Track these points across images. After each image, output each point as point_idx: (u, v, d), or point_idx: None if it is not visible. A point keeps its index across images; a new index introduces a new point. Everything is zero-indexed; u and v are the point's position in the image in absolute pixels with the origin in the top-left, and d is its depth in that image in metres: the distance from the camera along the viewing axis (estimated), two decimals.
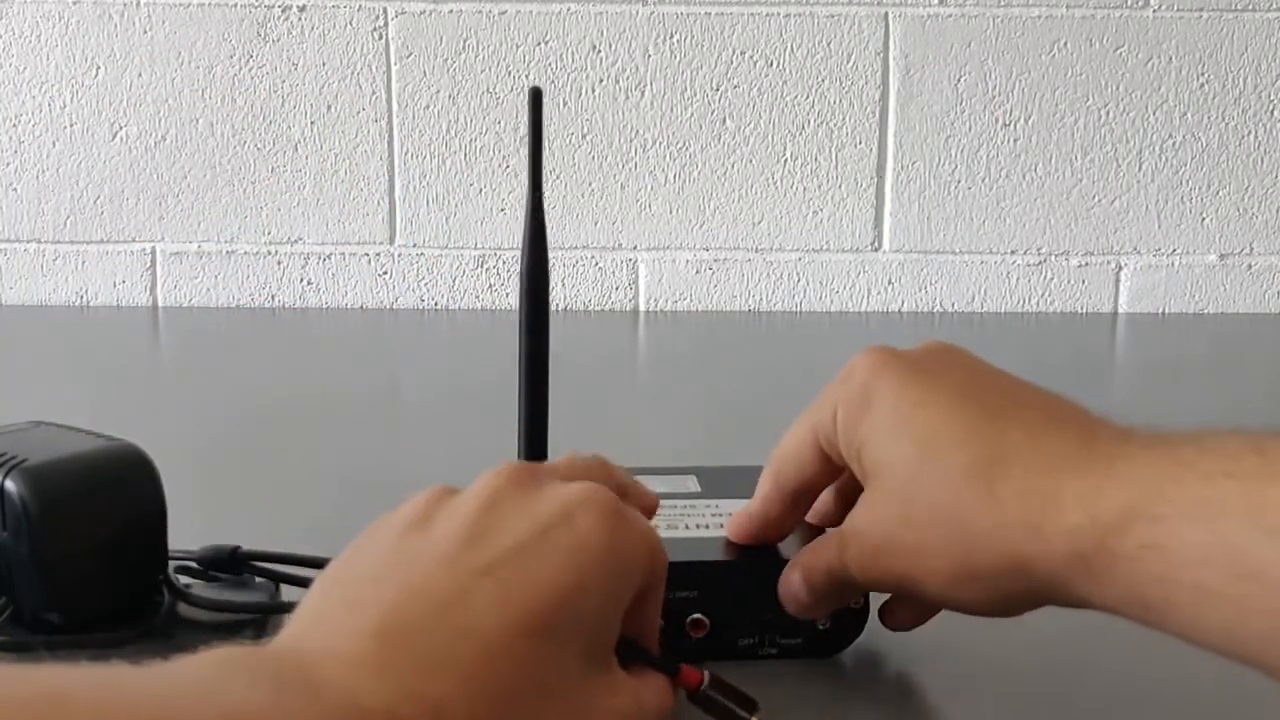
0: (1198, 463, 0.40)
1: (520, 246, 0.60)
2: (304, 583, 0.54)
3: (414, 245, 1.33)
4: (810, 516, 0.55)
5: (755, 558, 0.53)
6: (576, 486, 0.44)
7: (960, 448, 0.45)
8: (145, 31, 1.30)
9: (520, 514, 0.42)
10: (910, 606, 0.52)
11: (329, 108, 1.31)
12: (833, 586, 0.50)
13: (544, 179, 0.62)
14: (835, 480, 0.52)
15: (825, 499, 0.54)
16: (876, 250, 1.33)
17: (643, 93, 1.31)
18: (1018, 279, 1.34)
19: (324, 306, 1.34)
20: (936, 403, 0.47)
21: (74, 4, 1.30)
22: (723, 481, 0.61)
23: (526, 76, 1.30)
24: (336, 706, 0.35)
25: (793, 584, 0.51)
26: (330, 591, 0.41)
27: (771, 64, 1.30)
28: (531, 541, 0.41)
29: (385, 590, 0.39)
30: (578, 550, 0.41)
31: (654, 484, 0.60)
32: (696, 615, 0.52)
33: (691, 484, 0.61)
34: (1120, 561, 0.41)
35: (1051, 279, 1.34)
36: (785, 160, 1.32)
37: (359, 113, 1.31)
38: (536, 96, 0.60)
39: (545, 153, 0.62)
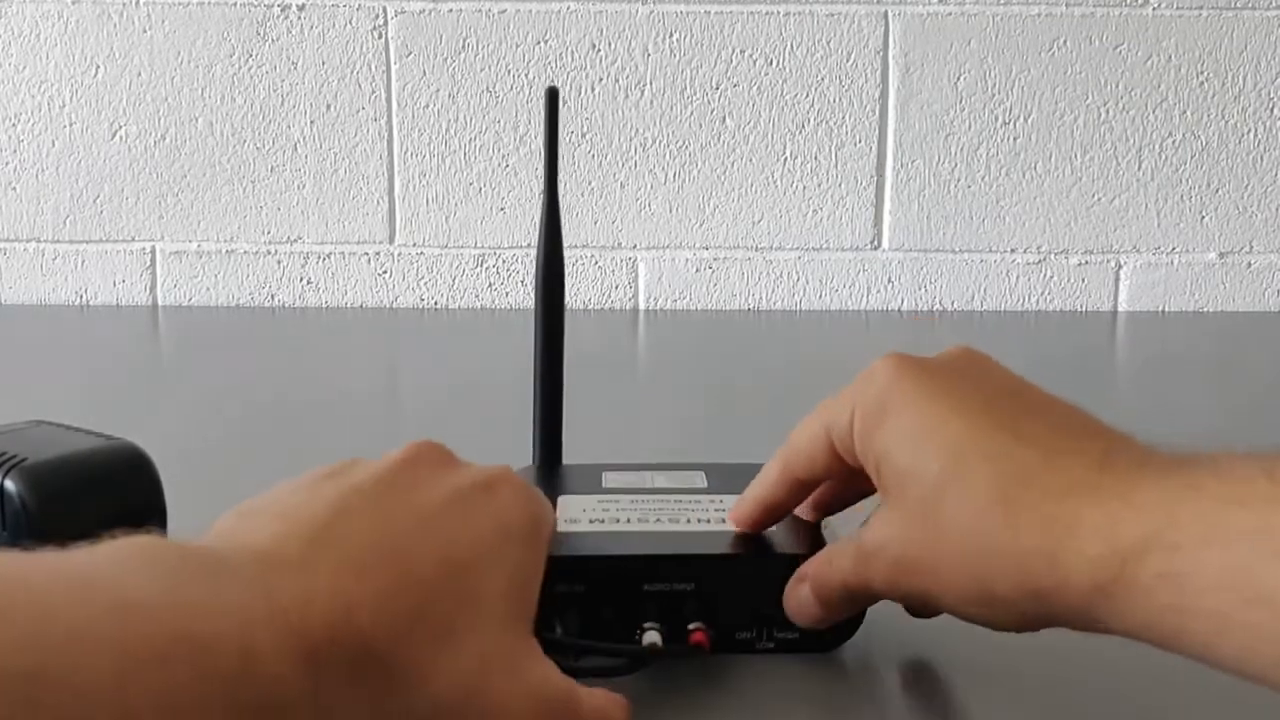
0: (1210, 487, 0.40)
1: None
2: None
3: (414, 244, 1.33)
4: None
5: (753, 552, 0.53)
6: (491, 466, 0.46)
7: (981, 467, 0.45)
8: (145, 31, 1.30)
9: (439, 480, 0.44)
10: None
11: (329, 107, 1.31)
12: (847, 599, 0.50)
13: None
14: (842, 476, 0.52)
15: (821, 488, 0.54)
16: (876, 249, 1.33)
17: (642, 92, 1.31)
18: (1017, 277, 1.34)
19: (324, 306, 1.34)
20: (959, 416, 0.46)
21: (74, 3, 1.30)
22: (730, 478, 0.61)
23: (526, 75, 1.30)
24: (241, 601, 0.34)
25: (802, 597, 0.51)
26: (249, 513, 0.41)
27: (771, 63, 1.30)
28: (455, 502, 0.43)
29: (315, 509, 0.40)
30: (497, 516, 0.44)
31: (662, 479, 0.61)
32: (697, 625, 0.52)
33: (699, 480, 0.61)
34: (1137, 591, 0.41)
35: (1051, 277, 1.34)
36: (785, 159, 1.32)
37: (358, 112, 1.31)
38: (553, 96, 0.61)
39: None
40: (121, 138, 1.31)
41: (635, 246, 1.33)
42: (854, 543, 0.49)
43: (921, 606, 0.50)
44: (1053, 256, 1.34)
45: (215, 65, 1.30)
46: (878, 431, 0.48)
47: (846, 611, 0.51)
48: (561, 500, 0.58)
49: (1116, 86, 1.31)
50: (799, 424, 0.52)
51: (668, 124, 1.31)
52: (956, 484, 0.45)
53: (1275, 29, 1.30)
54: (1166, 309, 1.34)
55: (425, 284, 1.34)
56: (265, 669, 0.33)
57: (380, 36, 1.30)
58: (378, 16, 1.29)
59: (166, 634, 0.32)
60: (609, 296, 1.34)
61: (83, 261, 1.34)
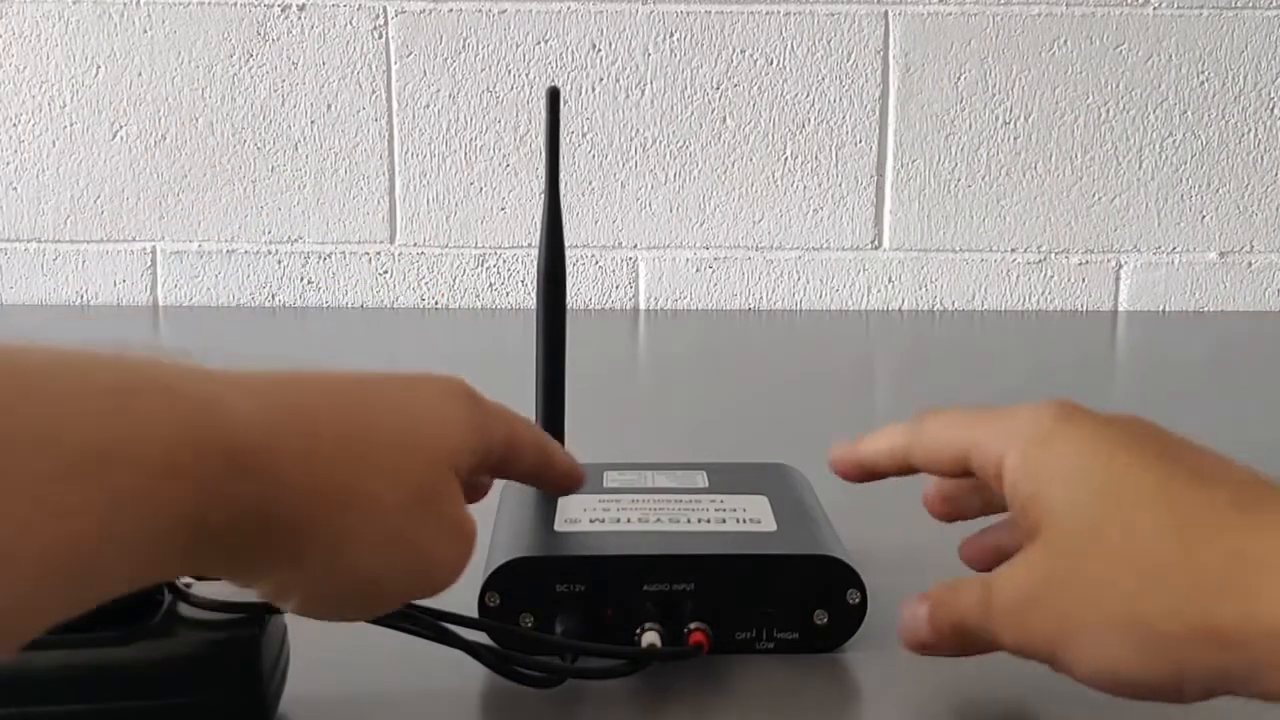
0: None
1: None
2: None
3: (414, 244, 1.33)
4: (968, 556, 0.53)
5: (753, 552, 0.53)
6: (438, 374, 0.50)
7: (1152, 505, 0.41)
8: (145, 31, 1.30)
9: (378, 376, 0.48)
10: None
11: (329, 107, 1.31)
12: (959, 635, 0.45)
13: None
14: (950, 482, 0.50)
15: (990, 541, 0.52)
16: (876, 248, 1.33)
17: (643, 92, 1.31)
18: (1018, 277, 1.34)
19: (324, 305, 1.34)
20: (1129, 458, 0.43)
21: (74, 3, 1.30)
22: (730, 478, 0.61)
23: (526, 75, 1.30)
24: (200, 405, 0.38)
25: (918, 619, 0.46)
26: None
27: (772, 62, 1.30)
28: (387, 384, 0.47)
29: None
30: (421, 402, 0.48)
31: (663, 479, 0.61)
32: (696, 626, 0.52)
33: (700, 479, 0.61)
34: None
35: (1052, 277, 1.34)
36: (785, 159, 1.32)
37: (359, 112, 1.31)
38: (554, 96, 0.61)
39: None
40: (122, 138, 1.31)
41: (635, 246, 1.33)
42: (983, 578, 0.45)
43: (1044, 656, 0.44)
44: (1053, 256, 1.34)
45: (215, 65, 1.30)
46: (1037, 469, 0.44)
47: (954, 649, 0.46)
48: (562, 500, 0.58)
49: (1116, 86, 1.31)
50: (941, 419, 0.49)
51: (668, 124, 1.31)
52: (1114, 520, 0.41)
53: (1275, 29, 1.30)
54: (1167, 309, 1.34)
55: (426, 284, 1.34)
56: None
57: (380, 36, 1.30)
58: (378, 16, 1.29)
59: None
60: (609, 296, 1.34)
61: (83, 261, 1.34)
